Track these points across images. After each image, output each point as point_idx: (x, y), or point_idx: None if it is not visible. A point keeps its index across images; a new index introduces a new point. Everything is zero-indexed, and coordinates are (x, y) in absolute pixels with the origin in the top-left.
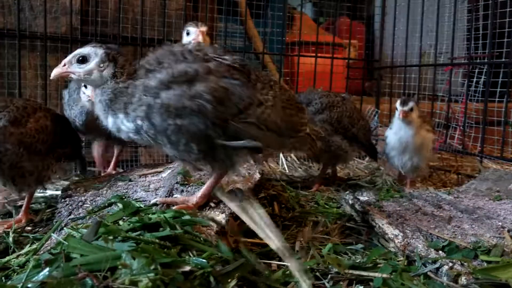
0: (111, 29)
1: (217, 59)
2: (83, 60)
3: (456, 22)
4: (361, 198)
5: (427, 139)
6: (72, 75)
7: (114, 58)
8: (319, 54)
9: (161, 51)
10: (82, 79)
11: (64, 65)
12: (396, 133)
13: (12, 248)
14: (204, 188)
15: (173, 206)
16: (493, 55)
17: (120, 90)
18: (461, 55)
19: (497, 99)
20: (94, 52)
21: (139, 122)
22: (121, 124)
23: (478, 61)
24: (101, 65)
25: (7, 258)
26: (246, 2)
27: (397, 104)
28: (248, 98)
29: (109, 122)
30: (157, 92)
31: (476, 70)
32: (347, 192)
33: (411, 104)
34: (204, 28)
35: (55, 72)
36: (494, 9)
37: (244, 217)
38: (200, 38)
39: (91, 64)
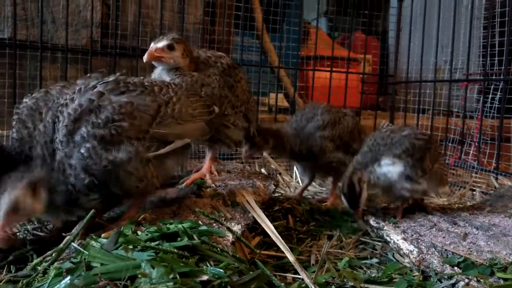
0: (130, 41)
1: (102, 83)
2: None
3: (472, 38)
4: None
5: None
6: None
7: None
8: (334, 69)
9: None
10: None
11: None
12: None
13: (32, 255)
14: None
15: None
16: (509, 72)
17: None
18: (476, 71)
19: None
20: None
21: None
22: None
23: (493, 77)
24: None
25: (33, 263)
26: (263, 17)
27: (344, 203)
28: (153, 102)
29: None
30: (74, 142)
31: (492, 87)
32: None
33: (363, 200)
34: (161, 44)
35: None
36: (511, 25)
37: (265, 226)
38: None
39: None
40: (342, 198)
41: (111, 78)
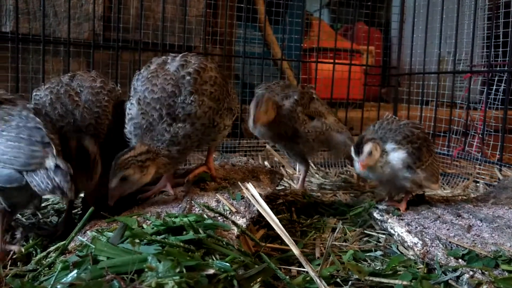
0: (132, 35)
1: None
2: None
3: (475, 29)
4: (380, 206)
5: (397, 161)
6: None
7: None
8: (336, 61)
9: None
10: None
11: None
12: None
13: (36, 249)
14: None
15: None
16: None
17: None
18: (480, 63)
19: None
20: None
21: None
22: None
23: (497, 68)
24: None
25: (37, 257)
26: (265, 9)
27: (352, 152)
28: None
29: None
30: None
31: (496, 78)
32: (366, 199)
33: (367, 148)
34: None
35: None
36: None
37: (270, 220)
38: None
39: None
40: (352, 149)
41: None
